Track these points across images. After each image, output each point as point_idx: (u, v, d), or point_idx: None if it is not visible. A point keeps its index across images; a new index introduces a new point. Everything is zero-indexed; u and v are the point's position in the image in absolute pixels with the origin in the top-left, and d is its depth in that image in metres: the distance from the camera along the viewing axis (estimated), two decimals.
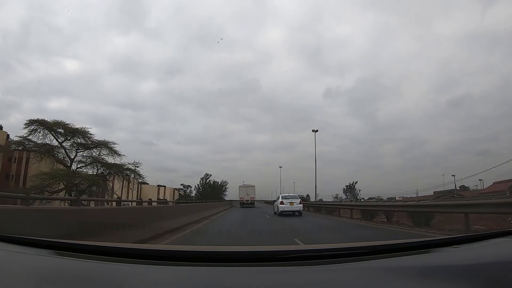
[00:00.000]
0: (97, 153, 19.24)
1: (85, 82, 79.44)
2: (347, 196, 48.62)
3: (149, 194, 46.11)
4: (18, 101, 67.51)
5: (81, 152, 18.97)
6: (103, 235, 5.01)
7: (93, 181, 18.42)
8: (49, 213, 5.23)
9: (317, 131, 33.08)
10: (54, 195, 16.62)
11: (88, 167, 19.43)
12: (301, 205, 19.24)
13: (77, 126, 18.45)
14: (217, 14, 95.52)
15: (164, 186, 55.48)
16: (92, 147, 18.96)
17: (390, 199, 43.34)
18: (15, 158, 32.60)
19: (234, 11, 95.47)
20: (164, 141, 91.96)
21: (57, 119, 18.08)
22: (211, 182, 52.94)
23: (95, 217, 6.12)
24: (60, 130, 17.97)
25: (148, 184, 50.16)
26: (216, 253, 1.46)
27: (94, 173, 19.46)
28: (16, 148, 21.61)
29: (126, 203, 16.23)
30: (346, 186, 50.10)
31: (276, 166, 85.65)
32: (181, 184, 54.43)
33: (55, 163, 18.16)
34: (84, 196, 17.11)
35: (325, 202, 36.36)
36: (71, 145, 18.57)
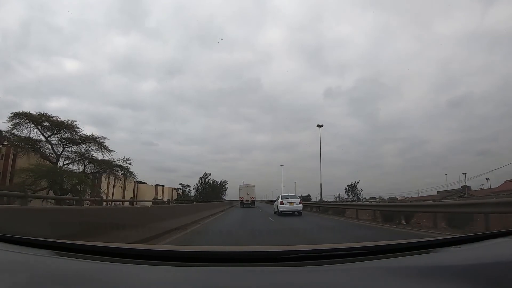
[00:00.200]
0: (86, 148, 17.62)
1: (85, 82, 79.06)
2: (349, 196, 48.50)
3: (147, 193, 45.83)
4: (18, 101, 67.27)
5: (69, 148, 17.37)
6: (103, 235, 5.01)
7: (79, 179, 16.62)
8: (48, 213, 5.23)
9: (322, 126, 32.53)
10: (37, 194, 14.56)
11: (76, 164, 17.79)
12: (301, 205, 19.34)
13: (63, 119, 16.81)
14: (217, 14, 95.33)
15: (163, 186, 55.20)
16: (80, 142, 17.38)
17: (391, 199, 43.18)
18: (2, 154, 30.08)
19: (234, 11, 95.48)
20: (164, 141, 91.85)
21: (42, 112, 16.51)
22: (211, 182, 52.86)
23: (95, 217, 6.12)
24: (46, 123, 16.43)
25: (146, 183, 50.09)
26: (214, 254, 1.45)
27: (82, 170, 17.74)
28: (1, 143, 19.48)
29: (117, 203, 15.49)
30: (348, 185, 49.93)
31: (276, 166, 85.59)
32: (179, 184, 53.98)
33: (40, 159, 16.58)
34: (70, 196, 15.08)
35: (334, 202, 34.36)
36: (59, 140, 17.02)
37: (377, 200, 42.96)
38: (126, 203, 13.61)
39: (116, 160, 18.49)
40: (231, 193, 53.61)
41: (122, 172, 19.48)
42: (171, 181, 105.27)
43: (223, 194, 53.73)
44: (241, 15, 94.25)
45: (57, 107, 65.42)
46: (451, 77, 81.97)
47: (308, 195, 45.53)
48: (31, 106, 60.50)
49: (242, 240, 7.46)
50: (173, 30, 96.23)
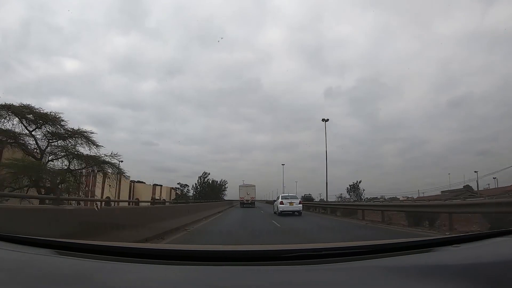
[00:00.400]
0: (73, 143, 16.08)
1: (85, 82, 79.34)
2: (350, 196, 48.30)
3: (144, 193, 45.40)
4: (18, 101, 67.01)
5: (54, 143, 15.87)
6: (103, 235, 5.01)
7: (61, 177, 15.14)
8: (48, 213, 5.22)
9: (327, 120, 30.94)
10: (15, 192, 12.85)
11: (61, 160, 16.01)
12: (301, 205, 19.55)
13: (46, 111, 15.14)
14: (217, 14, 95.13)
15: (161, 185, 54.83)
16: (66, 137, 15.98)
17: (392, 199, 42.99)
18: None
19: (234, 11, 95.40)
20: (164, 141, 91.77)
21: (24, 103, 14.90)
22: (210, 181, 52.69)
23: (94, 217, 6.12)
24: (30, 116, 14.91)
25: (144, 183, 49.88)
26: (214, 253, 1.46)
27: (66, 167, 16.11)
28: None
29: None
30: (350, 185, 49.61)
31: (276, 166, 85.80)
32: (178, 183, 53.57)
33: (24, 155, 15.08)
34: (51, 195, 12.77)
35: (344, 203, 29.62)
36: (44, 135, 15.56)
37: (380, 200, 42.59)
38: (126, 204, 12.80)
39: (103, 155, 16.70)
40: (231, 193, 53.54)
41: (111, 170, 17.74)
42: (171, 181, 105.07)
43: (222, 194, 53.63)
44: (241, 15, 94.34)
45: (57, 107, 65.42)
46: (451, 77, 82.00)
47: (309, 194, 45.44)
48: None
49: (242, 240, 7.46)
50: (173, 30, 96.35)
